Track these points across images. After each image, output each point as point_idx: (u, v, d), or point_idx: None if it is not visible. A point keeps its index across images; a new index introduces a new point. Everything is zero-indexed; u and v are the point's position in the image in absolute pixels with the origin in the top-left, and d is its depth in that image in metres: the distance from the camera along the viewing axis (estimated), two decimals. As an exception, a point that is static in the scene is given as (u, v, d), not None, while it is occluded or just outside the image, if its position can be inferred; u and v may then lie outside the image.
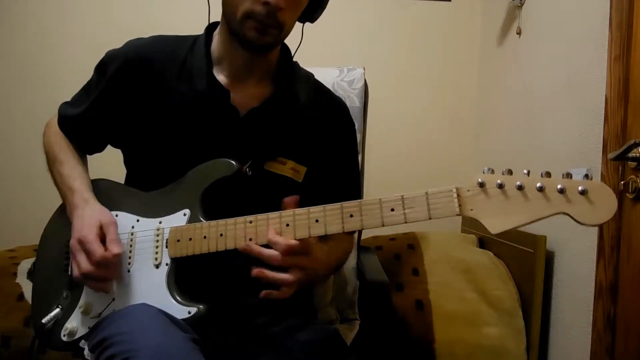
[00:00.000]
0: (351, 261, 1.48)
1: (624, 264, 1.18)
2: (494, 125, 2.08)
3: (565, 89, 1.47)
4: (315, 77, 1.12)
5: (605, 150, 1.22)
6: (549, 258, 1.47)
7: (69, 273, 0.95)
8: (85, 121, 1.04)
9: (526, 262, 1.51)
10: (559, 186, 0.70)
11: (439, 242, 1.77)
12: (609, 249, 1.20)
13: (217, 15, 1.02)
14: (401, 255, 1.71)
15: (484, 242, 1.84)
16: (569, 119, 1.43)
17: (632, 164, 1.14)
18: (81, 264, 0.88)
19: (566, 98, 1.46)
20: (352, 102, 1.48)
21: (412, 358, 1.49)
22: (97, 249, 0.87)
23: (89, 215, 0.92)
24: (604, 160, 1.22)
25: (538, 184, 0.71)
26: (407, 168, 2.25)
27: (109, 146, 1.09)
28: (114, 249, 0.88)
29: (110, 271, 0.90)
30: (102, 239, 0.90)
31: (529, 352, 1.47)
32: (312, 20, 1.04)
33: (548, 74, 1.59)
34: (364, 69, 1.53)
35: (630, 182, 1.15)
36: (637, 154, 1.11)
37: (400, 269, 1.66)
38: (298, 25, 1.02)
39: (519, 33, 1.83)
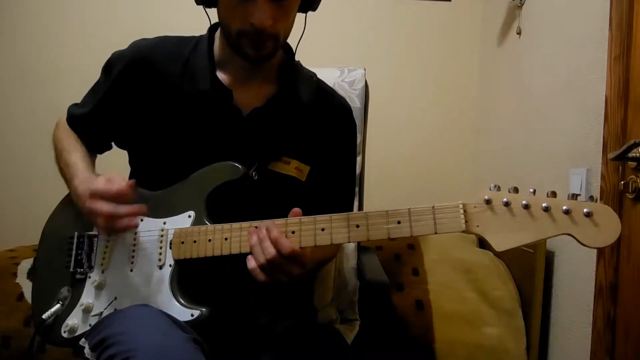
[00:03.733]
0: (351, 261, 1.48)
1: (624, 264, 1.18)
2: (494, 125, 2.08)
3: (565, 89, 1.47)
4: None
5: (605, 150, 1.22)
6: (549, 258, 1.47)
7: (71, 269, 0.95)
8: (92, 120, 1.05)
9: (526, 262, 1.51)
10: (564, 207, 0.71)
11: (439, 242, 1.77)
12: (609, 249, 1.20)
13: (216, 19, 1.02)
14: (401, 255, 1.71)
15: (484, 242, 1.83)
16: (569, 119, 1.43)
17: (632, 164, 1.15)
18: (101, 208, 0.88)
19: (566, 98, 1.46)
20: (353, 102, 1.48)
21: (412, 358, 1.49)
22: (111, 187, 0.88)
23: (92, 180, 0.93)
24: (604, 160, 1.22)
25: (544, 204, 0.72)
26: (408, 168, 2.25)
27: (114, 146, 1.10)
28: (125, 181, 0.90)
29: (130, 206, 0.90)
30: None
31: (529, 352, 1.47)
32: (314, 9, 1.04)
33: (548, 74, 1.59)
34: (365, 70, 1.53)
35: (630, 182, 1.15)
36: (637, 154, 1.11)
37: (400, 269, 1.66)
38: (300, 15, 1.02)
39: (519, 33, 1.83)
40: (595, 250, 1.24)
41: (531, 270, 1.47)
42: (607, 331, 1.20)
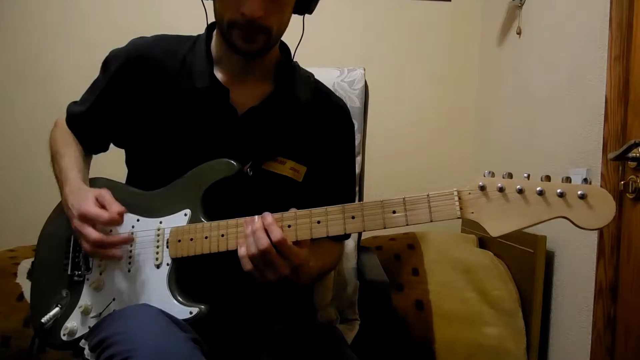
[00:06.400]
0: (351, 261, 1.48)
1: (624, 264, 1.18)
2: (494, 125, 2.08)
3: (565, 89, 1.47)
4: (316, 77, 1.12)
5: (605, 150, 1.22)
6: (549, 258, 1.47)
7: (69, 272, 0.95)
8: (90, 118, 1.05)
9: (526, 262, 1.51)
10: (558, 190, 0.71)
11: (439, 242, 1.77)
12: (609, 249, 1.20)
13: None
14: (401, 255, 1.71)
15: (484, 242, 1.84)
16: (569, 119, 1.43)
17: (632, 164, 1.15)
18: (90, 234, 0.87)
19: (566, 98, 1.46)
20: (353, 102, 1.48)
21: (412, 358, 1.49)
22: (101, 213, 0.87)
23: (82, 193, 0.92)
24: (604, 160, 1.22)
25: (538, 188, 0.72)
26: (407, 168, 2.25)
27: (112, 146, 1.10)
28: (116, 208, 0.88)
29: (119, 236, 0.90)
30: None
31: (529, 352, 1.47)
32: (310, 11, 1.03)
33: (548, 74, 1.59)
34: (364, 70, 1.53)
35: (630, 182, 1.15)
36: (637, 154, 1.11)
37: (400, 269, 1.66)
38: (299, 18, 1.01)
39: (519, 33, 1.83)
40: (595, 250, 1.24)
41: (531, 270, 1.47)
42: (607, 331, 1.20)
